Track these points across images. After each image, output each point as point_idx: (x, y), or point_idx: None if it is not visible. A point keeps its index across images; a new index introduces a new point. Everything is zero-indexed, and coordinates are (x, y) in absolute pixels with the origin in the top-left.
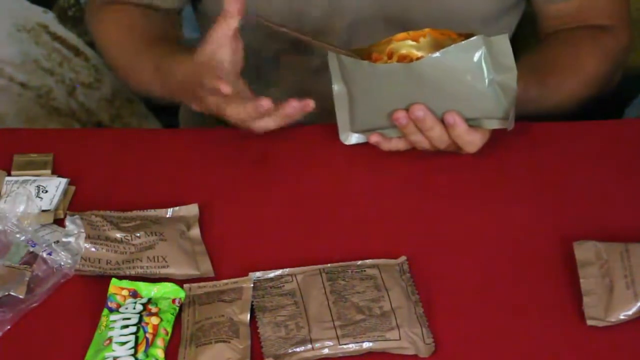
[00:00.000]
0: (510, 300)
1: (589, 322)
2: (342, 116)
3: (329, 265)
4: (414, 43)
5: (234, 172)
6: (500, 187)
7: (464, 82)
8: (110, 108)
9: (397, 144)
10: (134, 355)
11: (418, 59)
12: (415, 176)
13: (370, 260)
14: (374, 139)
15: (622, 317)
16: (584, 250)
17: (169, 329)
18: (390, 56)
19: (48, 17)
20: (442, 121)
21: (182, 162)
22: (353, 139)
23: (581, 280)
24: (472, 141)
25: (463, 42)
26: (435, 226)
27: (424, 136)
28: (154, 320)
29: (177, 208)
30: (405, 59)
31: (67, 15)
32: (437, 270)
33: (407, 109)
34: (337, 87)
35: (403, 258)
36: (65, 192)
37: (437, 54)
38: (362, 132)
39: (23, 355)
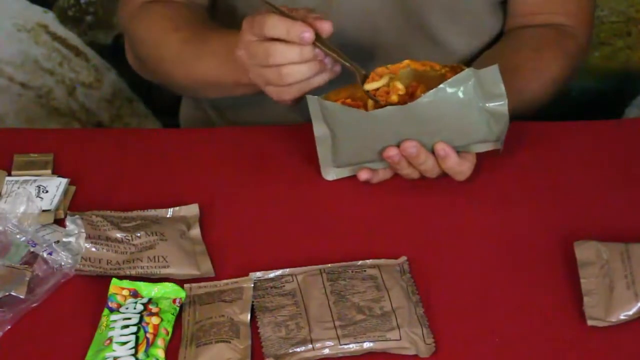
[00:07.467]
0: (511, 300)
1: (590, 322)
2: (324, 154)
3: (329, 265)
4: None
5: (234, 172)
6: (500, 187)
7: (457, 115)
8: (110, 108)
9: (384, 175)
10: (135, 355)
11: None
12: None
13: (371, 260)
14: (364, 176)
15: (622, 317)
16: (584, 250)
17: (170, 329)
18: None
19: (48, 17)
20: (433, 152)
21: (182, 162)
22: (335, 174)
23: (582, 280)
24: (462, 171)
25: (453, 77)
26: (435, 226)
27: (415, 169)
28: (155, 320)
29: (177, 208)
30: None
31: (67, 15)
32: (437, 270)
33: (398, 145)
34: (319, 131)
35: (403, 258)
36: (65, 192)
37: (430, 94)
38: (345, 166)
39: (23, 355)
